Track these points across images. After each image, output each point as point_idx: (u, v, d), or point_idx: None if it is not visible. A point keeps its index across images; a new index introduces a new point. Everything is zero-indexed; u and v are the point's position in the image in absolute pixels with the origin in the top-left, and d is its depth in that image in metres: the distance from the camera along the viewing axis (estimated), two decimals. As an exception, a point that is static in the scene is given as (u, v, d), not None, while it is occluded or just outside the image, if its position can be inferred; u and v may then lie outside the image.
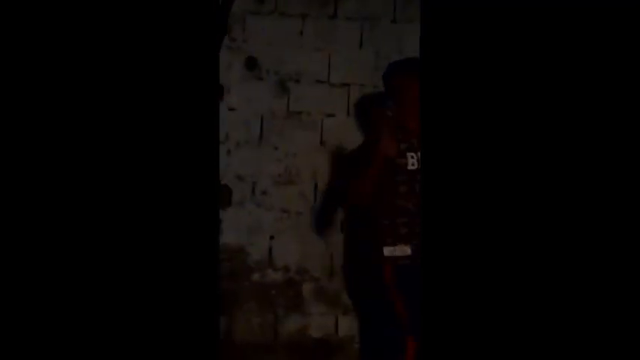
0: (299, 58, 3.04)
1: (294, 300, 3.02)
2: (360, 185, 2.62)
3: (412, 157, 2.68)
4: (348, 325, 3.05)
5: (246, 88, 2.99)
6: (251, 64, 2.99)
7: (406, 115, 2.66)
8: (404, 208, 2.66)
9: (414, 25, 3.01)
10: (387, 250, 2.65)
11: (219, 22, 2.17)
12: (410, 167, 2.67)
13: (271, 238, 3.01)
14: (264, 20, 3.00)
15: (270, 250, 3.01)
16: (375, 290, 2.68)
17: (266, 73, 3.01)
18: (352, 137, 2.99)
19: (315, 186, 3.04)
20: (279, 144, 3.02)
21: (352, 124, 3.06)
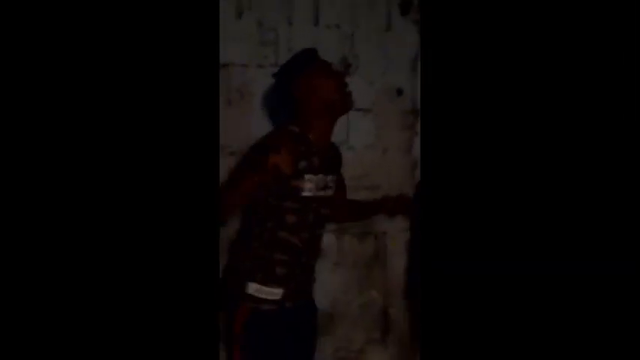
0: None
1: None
2: (230, 194, 2.12)
3: (310, 181, 2.18)
4: None
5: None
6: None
7: (309, 124, 2.21)
8: (287, 242, 2.19)
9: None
10: (252, 288, 2.17)
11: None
12: (305, 193, 2.17)
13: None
14: None
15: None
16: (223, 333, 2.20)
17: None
18: (234, 132, 2.56)
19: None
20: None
21: (234, 115, 2.60)
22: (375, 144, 2.86)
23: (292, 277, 2.21)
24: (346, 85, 2.25)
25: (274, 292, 2.17)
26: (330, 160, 2.31)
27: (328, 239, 2.74)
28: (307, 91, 2.20)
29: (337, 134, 2.73)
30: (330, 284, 2.77)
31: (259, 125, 2.62)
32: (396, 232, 2.89)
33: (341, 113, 2.26)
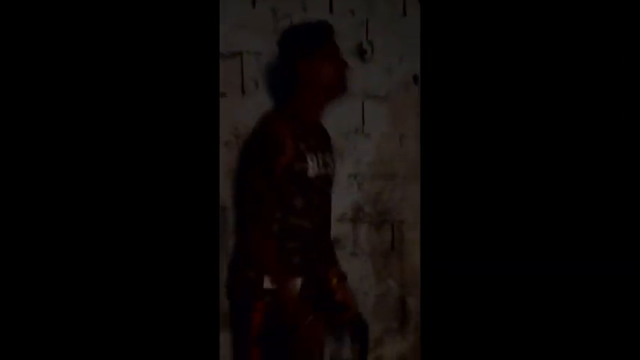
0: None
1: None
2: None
3: (312, 160, 2.14)
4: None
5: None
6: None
7: (304, 103, 2.19)
8: (298, 228, 2.14)
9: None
10: (268, 281, 2.07)
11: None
12: (310, 173, 2.12)
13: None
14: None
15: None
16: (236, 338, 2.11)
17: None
18: (252, 121, 2.45)
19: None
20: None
21: (250, 104, 2.54)
22: (391, 132, 2.84)
23: (309, 263, 2.15)
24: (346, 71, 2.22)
25: (294, 282, 2.09)
26: (324, 140, 2.30)
27: (345, 228, 2.74)
28: (313, 71, 2.16)
29: (352, 121, 2.74)
30: (346, 274, 2.77)
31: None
32: (414, 221, 2.87)
33: (336, 98, 2.25)
